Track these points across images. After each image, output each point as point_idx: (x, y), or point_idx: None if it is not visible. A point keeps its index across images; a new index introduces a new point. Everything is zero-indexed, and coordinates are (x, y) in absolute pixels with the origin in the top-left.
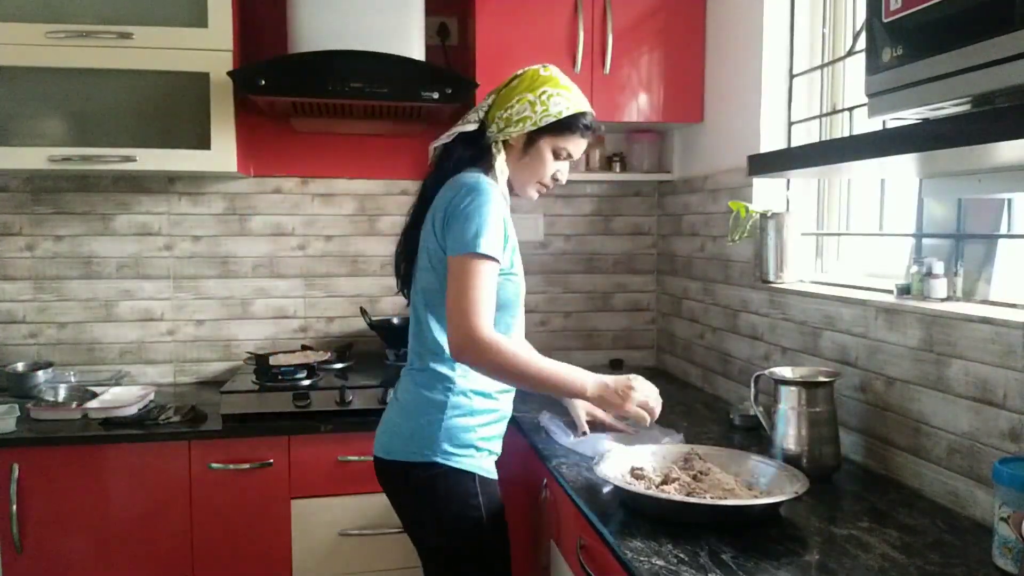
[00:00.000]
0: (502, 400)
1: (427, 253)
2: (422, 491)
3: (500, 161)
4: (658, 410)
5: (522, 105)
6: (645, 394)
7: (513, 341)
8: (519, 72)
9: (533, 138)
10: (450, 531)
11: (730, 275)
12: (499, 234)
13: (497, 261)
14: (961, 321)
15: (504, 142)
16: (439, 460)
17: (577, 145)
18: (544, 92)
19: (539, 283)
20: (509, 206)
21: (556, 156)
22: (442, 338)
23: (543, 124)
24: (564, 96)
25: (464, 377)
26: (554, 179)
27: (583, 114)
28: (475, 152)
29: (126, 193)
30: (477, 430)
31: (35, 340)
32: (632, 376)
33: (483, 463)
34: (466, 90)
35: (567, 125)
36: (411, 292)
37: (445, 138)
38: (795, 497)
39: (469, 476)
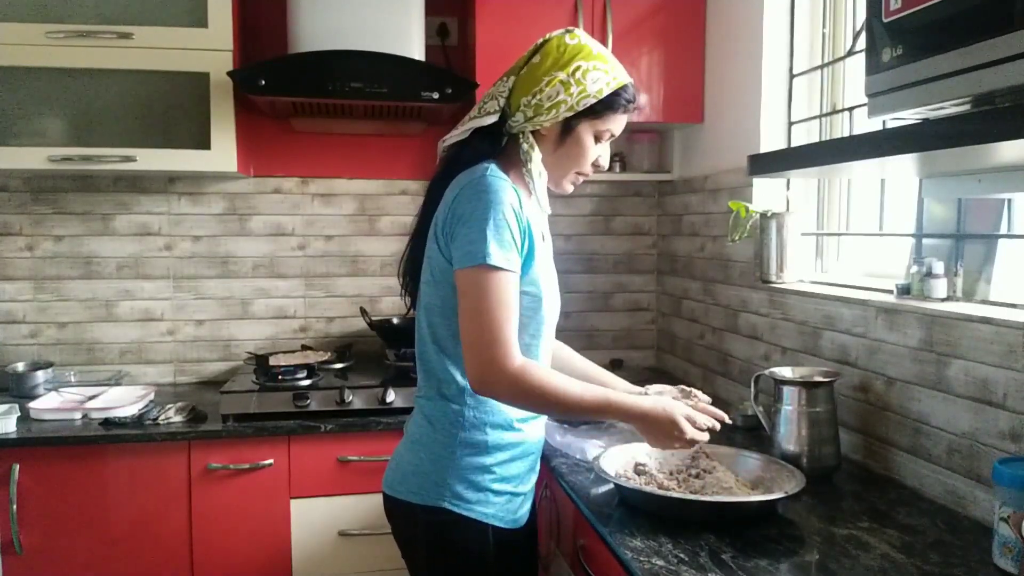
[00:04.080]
0: (528, 430)
1: (429, 264)
2: (427, 539)
3: (536, 160)
4: (706, 430)
5: (553, 88)
6: (697, 425)
7: (542, 364)
8: (540, 42)
9: (570, 124)
10: None
11: (730, 275)
12: (511, 240)
13: (514, 273)
14: (961, 321)
15: (537, 131)
16: (447, 506)
17: (619, 123)
18: (577, 68)
19: None
20: (546, 203)
21: (597, 139)
22: (449, 365)
23: (582, 108)
24: (601, 69)
25: (477, 408)
26: (595, 166)
27: (624, 88)
28: (495, 145)
29: (126, 193)
30: (495, 470)
31: (35, 340)
32: (677, 407)
33: (502, 510)
34: (466, 90)
35: (609, 104)
36: (416, 309)
37: (459, 134)
38: (792, 495)
39: (482, 528)
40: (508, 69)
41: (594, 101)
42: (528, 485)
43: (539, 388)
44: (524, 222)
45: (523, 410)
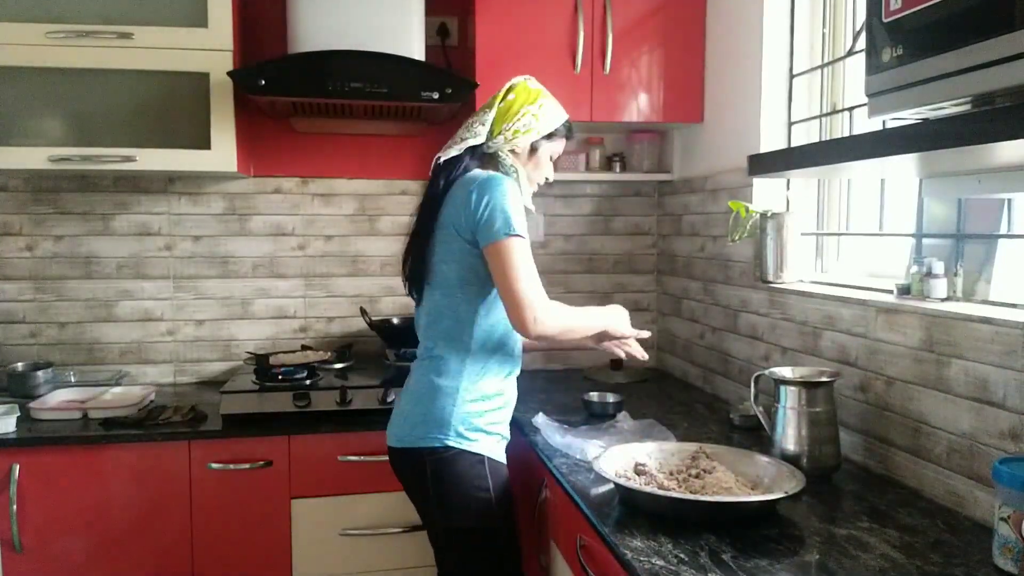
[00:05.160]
0: (508, 384)
1: (446, 250)
2: (435, 474)
3: (523, 171)
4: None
5: (527, 118)
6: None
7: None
8: (510, 85)
9: (535, 146)
10: (462, 511)
11: (730, 275)
12: (524, 215)
13: (529, 240)
14: (961, 321)
15: (512, 151)
16: (451, 443)
17: (562, 147)
18: (541, 104)
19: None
20: (530, 205)
21: (547, 160)
22: (462, 328)
23: (544, 133)
24: (554, 106)
25: (475, 363)
26: (547, 181)
27: (567, 120)
28: (480, 161)
29: (126, 193)
30: (486, 415)
31: (35, 340)
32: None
33: (492, 447)
34: (466, 90)
35: (559, 131)
36: (422, 290)
37: (455, 150)
38: (791, 495)
39: (479, 458)
40: (484, 104)
41: (552, 128)
42: (508, 432)
43: (566, 313)
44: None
45: (562, 340)
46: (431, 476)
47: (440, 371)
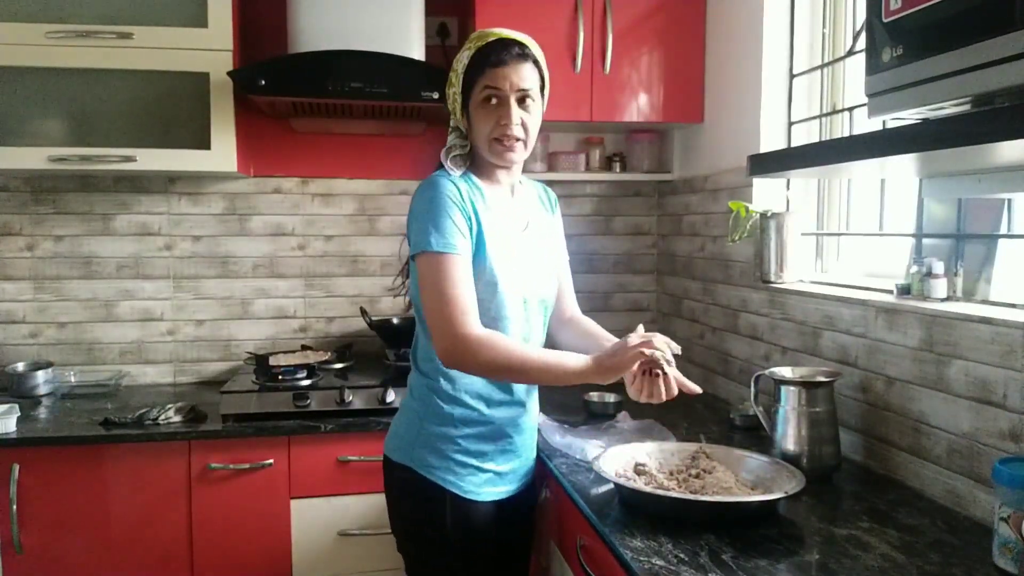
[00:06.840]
0: (496, 411)
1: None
2: (396, 491)
3: (451, 151)
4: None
5: (451, 79)
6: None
7: (504, 335)
8: None
9: (465, 105)
10: (410, 539)
11: (730, 275)
12: (453, 225)
13: (458, 254)
14: (961, 321)
15: (459, 128)
16: (413, 467)
17: (497, 78)
18: (458, 59)
19: None
20: (503, 193)
21: (487, 102)
22: (424, 342)
23: (460, 87)
24: (466, 48)
25: (447, 383)
26: (502, 127)
27: (480, 49)
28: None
29: (126, 193)
30: (460, 443)
31: (35, 340)
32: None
33: (464, 481)
34: None
35: (472, 70)
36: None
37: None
38: (792, 495)
39: (440, 491)
40: None
41: (462, 78)
42: (500, 466)
43: (503, 352)
44: (468, 210)
45: (494, 379)
46: (394, 492)
47: (413, 385)
